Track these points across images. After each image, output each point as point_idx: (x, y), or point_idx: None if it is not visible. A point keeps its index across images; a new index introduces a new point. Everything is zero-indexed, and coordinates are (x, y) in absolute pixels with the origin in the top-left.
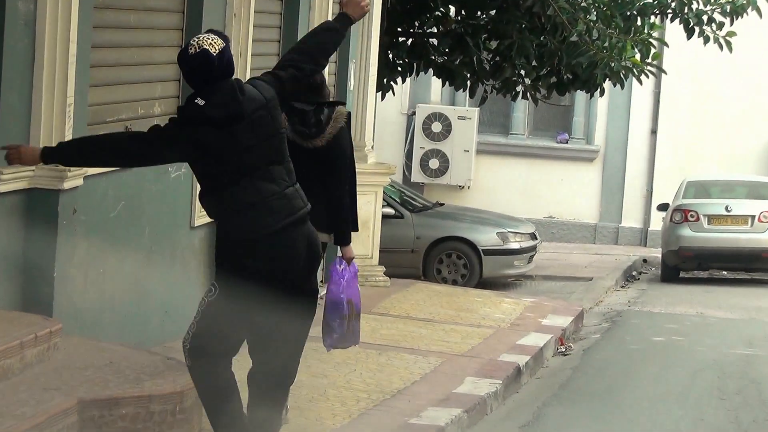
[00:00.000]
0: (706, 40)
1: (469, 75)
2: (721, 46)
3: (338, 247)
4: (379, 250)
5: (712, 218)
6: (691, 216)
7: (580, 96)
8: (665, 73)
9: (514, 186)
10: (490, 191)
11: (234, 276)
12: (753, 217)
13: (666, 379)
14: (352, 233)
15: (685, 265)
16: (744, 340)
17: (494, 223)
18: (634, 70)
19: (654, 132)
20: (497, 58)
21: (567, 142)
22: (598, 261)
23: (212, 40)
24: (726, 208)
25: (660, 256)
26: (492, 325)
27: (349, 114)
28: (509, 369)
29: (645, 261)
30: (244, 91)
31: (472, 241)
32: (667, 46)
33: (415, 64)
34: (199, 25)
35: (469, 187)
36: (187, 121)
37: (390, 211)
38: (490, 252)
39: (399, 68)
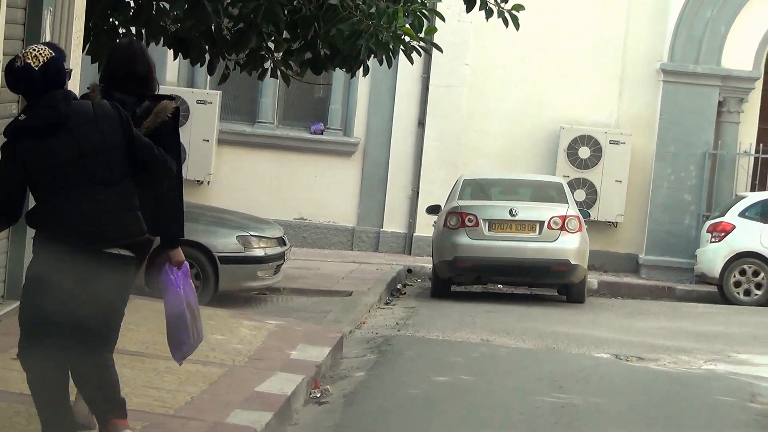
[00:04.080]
0: (489, 14)
1: (207, 47)
2: (506, 22)
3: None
4: None
5: (493, 224)
6: (469, 220)
7: (338, 80)
8: (441, 50)
9: (260, 182)
10: (234, 188)
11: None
12: (542, 223)
13: None
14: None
15: (462, 278)
16: (549, 380)
17: (235, 225)
18: (405, 44)
19: (421, 123)
20: (240, 26)
21: (322, 133)
22: (357, 271)
23: (38, 51)
24: (510, 212)
25: (429, 266)
26: (224, 360)
27: (177, 109)
28: None
29: (410, 271)
30: (69, 101)
31: (207, 247)
32: (443, 20)
33: (143, 32)
34: None
35: (209, 183)
36: (10, 136)
37: None
38: (228, 260)
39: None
